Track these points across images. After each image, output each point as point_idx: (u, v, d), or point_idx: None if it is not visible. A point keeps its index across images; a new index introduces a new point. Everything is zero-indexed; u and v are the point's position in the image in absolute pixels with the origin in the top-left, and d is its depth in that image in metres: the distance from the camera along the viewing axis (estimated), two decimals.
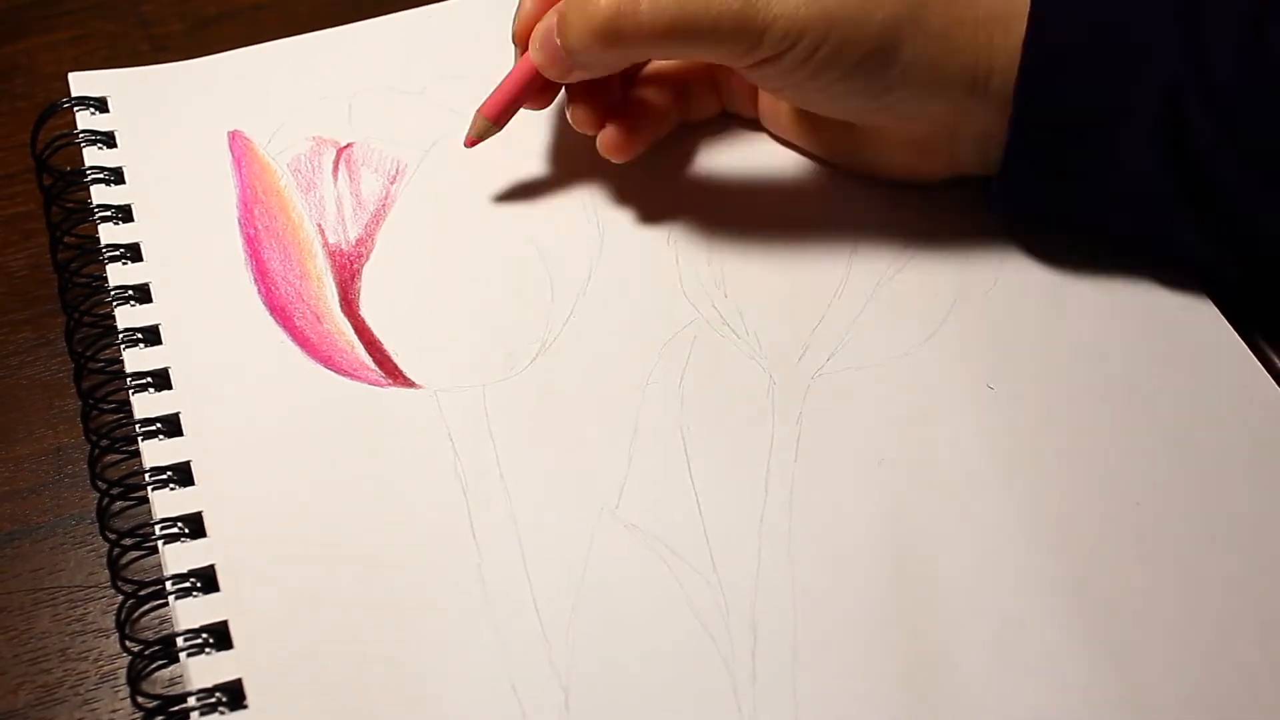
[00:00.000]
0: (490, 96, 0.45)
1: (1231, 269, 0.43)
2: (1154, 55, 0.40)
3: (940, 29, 0.40)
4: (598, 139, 0.45)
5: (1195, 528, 0.40)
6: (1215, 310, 0.44)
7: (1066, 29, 0.40)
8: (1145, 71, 0.40)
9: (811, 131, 0.47)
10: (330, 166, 0.47)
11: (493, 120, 0.45)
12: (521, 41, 0.44)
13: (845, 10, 0.40)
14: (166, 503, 0.39)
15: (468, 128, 0.46)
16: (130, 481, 0.40)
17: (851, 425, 0.41)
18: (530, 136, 0.48)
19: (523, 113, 0.46)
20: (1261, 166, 0.40)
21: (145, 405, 0.41)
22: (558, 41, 0.42)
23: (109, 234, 0.45)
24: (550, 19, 0.42)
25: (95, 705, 0.37)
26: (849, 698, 0.36)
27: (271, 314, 0.43)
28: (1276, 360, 0.44)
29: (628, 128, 0.45)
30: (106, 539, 0.39)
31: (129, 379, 0.41)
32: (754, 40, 0.40)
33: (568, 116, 0.46)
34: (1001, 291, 0.45)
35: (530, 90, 0.45)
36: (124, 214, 0.45)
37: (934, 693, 0.36)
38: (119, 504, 0.39)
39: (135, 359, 0.42)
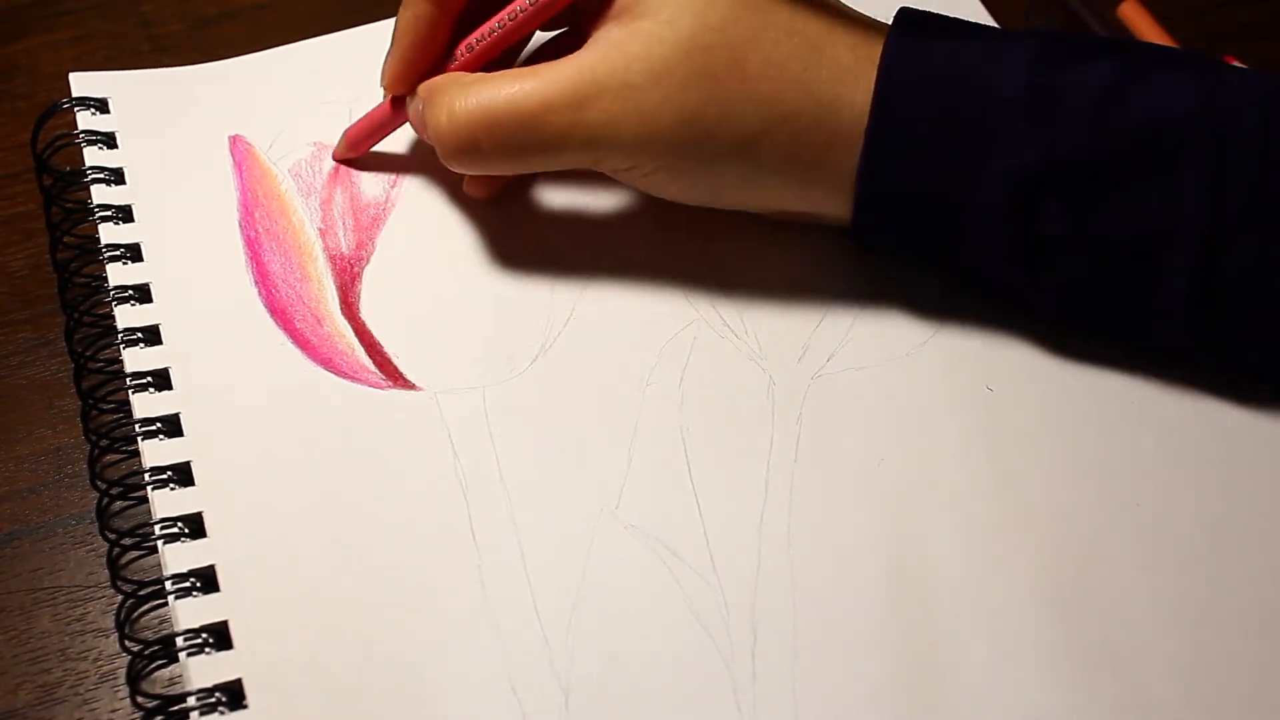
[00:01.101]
0: (355, 124, 0.47)
1: (1084, 324, 0.43)
2: (999, 143, 0.40)
3: (783, 156, 0.41)
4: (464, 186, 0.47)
5: (1195, 528, 0.40)
6: None
7: (910, 120, 0.40)
8: (990, 163, 0.40)
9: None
10: (331, 171, 0.47)
11: (349, 148, 0.47)
12: (391, 92, 0.45)
13: (676, 142, 0.41)
14: (166, 503, 0.39)
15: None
16: (130, 481, 0.40)
17: (851, 426, 0.41)
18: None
19: None
20: (1108, 254, 0.40)
21: (145, 405, 0.41)
22: (425, 134, 0.44)
23: (109, 234, 0.45)
24: (415, 106, 0.44)
25: (95, 705, 0.37)
26: (849, 698, 0.36)
27: (272, 316, 0.43)
28: None
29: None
30: (106, 539, 0.39)
31: (129, 379, 0.41)
32: (596, 161, 0.42)
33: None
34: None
35: (386, 131, 0.47)
36: (124, 214, 0.45)
37: (933, 693, 0.36)
38: (119, 504, 0.39)
39: (135, 359, 0.42)
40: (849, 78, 0.40)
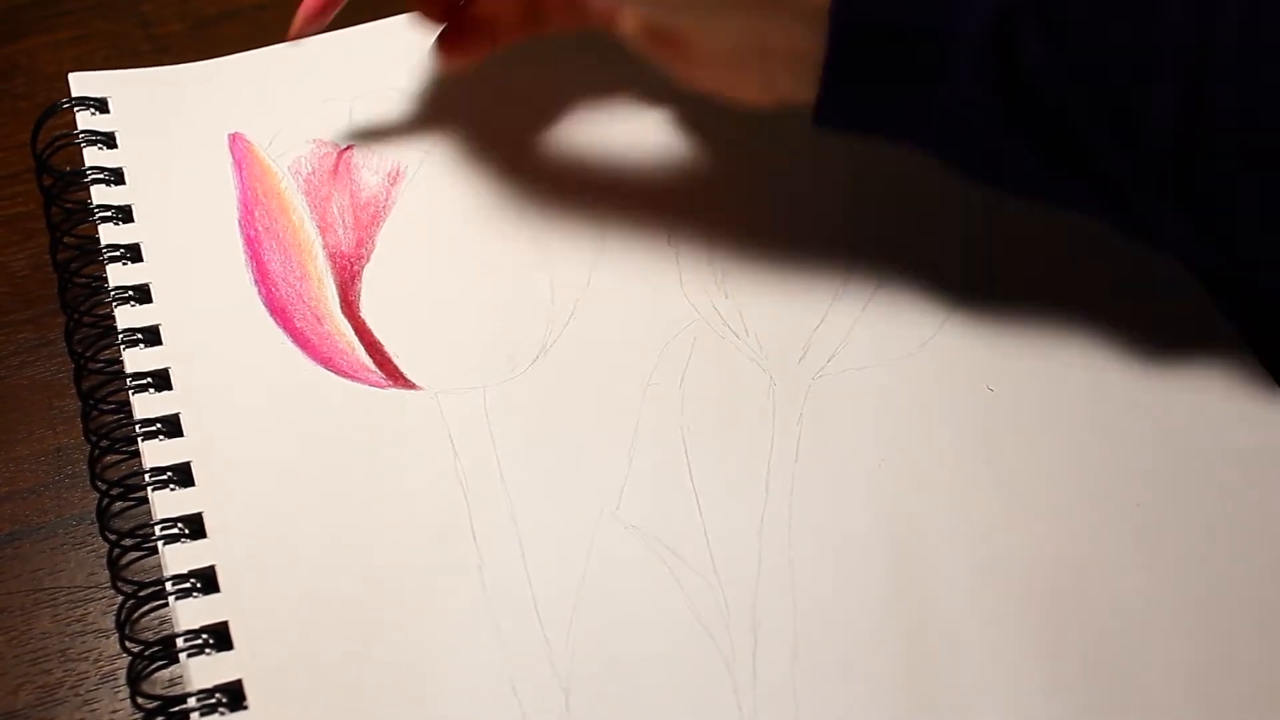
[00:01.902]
0: None
1: (1064, 185, 0.40)
2: None
3: None
4: (433, 44, 0.45)
5: (1195, 528, 0.40)
6: (1216, 309, 0.44)
7: None
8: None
9: (646, 44, 0.44)
10: (331, 169, 0.47)
11: (309, 20, 0.45)
12: None
13: None
14: (166, 503, 0.39)
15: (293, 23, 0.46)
16: (130, 482, 0.40)
17: (851, 426, 0.41)
18: (530, 136, 0.49)
19: (522, 111, 0.46)
20: (1089, 84, 0.37)
21: (145, 405, 0.41)
22: None
23: (109, 234, 0.45)
24: None
25: (95, 706, 0.37)
26: (849, 698, 0.36)
27: (272, 315, 0.43)
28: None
29: (465, 32, 0.45)
30: (106, 539, 0.39)
31: (129, 379, 0.41)
32: None
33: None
34: (1001, 292, 0.45)
35: None
36: (124, 214, 0.45)
37: (933, 693, 0.36)
38: (119, 504, 0.39)
39: (135, 359, 0.42)
40: None
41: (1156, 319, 0.44)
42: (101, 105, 0.48)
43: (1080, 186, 0.39)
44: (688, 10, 0.41)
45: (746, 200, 0.47)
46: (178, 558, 0.38)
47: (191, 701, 0.35)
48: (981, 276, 0.45)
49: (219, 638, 0.36)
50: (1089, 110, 0.38)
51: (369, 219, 0.46)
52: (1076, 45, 0.37)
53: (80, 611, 0.39)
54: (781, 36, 0.40)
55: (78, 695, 0.37)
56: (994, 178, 0.41)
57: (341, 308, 0.44)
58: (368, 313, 0.44)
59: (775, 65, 0.41)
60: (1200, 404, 0.42)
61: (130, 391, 0.41)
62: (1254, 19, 0.36)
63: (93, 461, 0.40)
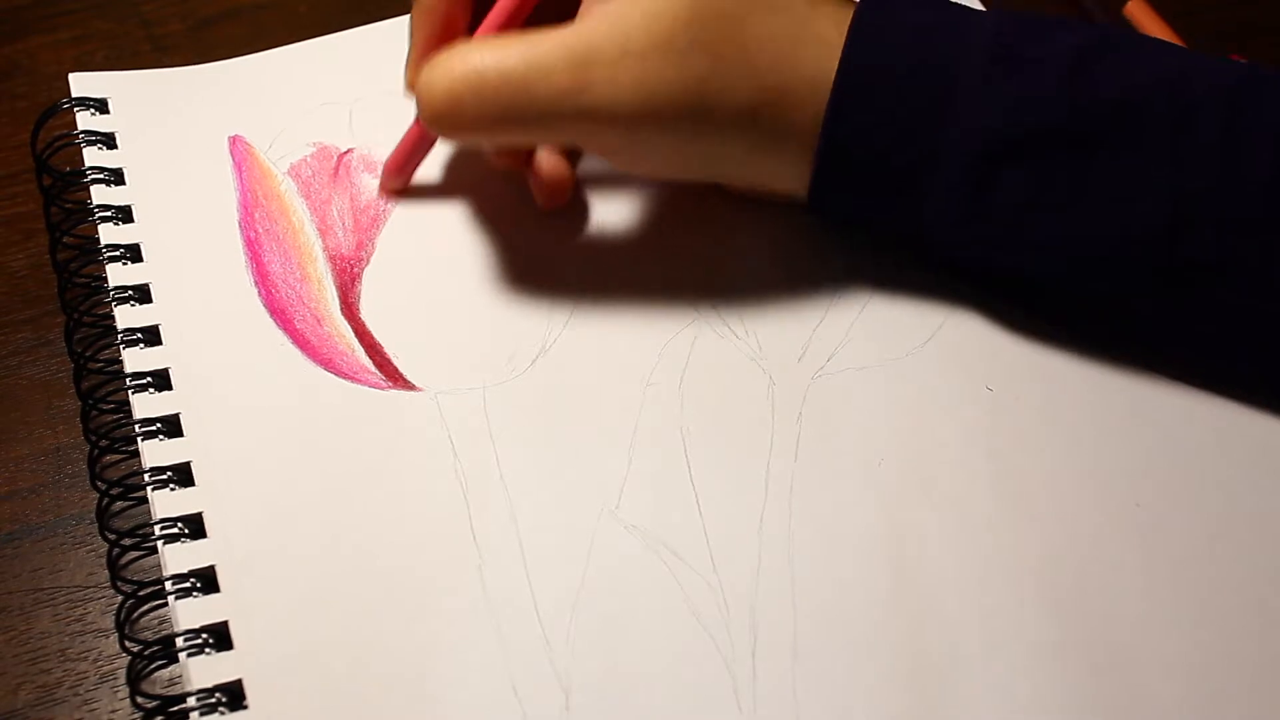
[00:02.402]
0: (392, 152, 0.46)
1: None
2: (961, 108, 0.40)
3: (773, 130, 0.41)
4: (535, 188, 0.46)
5: (1195, 529, 0.40)
6: None
7: (872, 81, 0.40)
8: (952, 125, 0.40)
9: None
10: (331, 171, 0.47)
11: (392, 177, 0.46)
12: (411, 90, 0.44)
13: (676, 115, 0.40)
14: (166, 503, 0.39)
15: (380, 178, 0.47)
16: (130, 481, 0.40)
17: (851, 426, 0.41)
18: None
19: None
20: (1076, 218, 0.40)
21: (145, 405, 0.41)
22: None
23: (109, 234, 0.45)
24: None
25: (95, 705, 0.37)
26: (849, 698, 0.36)
27: (272, 316, 0.43)
28: None
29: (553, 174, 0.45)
30: (106, 539, 0.39)
31: (129, 379, 0.41)
32: (587, 135, 0.41)
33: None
34: (1001, 292, 0.45)
35: (423, 148, 0.46)
36: (124, 214, 0.45)
37: (934, 692, 0.36)
38: (119, 504, 0.39)
39: (135, 359, 0.42)
40: (833, 53, 0.40)
41: None
42: (101, 105, 0.48)
43: (1054, 293, 0.42)
44: (711, 174, 0.44)
45: (746, 200, 0.47)
46: (177, 557, 0.38)
47: (191, 701, 0.35)
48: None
49: (219, 637, 0.36)
50: (1069, 242, 0.41)
51: (369, 221, 0.46)
52: (1049, 184, 0.40)
53: (80, 611, 0.39)
54: (790, 178, 0.43)
55: (77, 695, 0.37)
56: (966, 279, 0.44)
57: (341, 309, 0.44)
58: (367, 314, 0.44)
59: (779, 186, 0.44)
60: (1200, 404, 0.42)
61: (130, 391, 0.41)
62: (1229, 152, 0.39)
63: (92, 461, 0.40)
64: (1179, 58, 0.41)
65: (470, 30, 0.43)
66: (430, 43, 0.43)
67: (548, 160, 0.45)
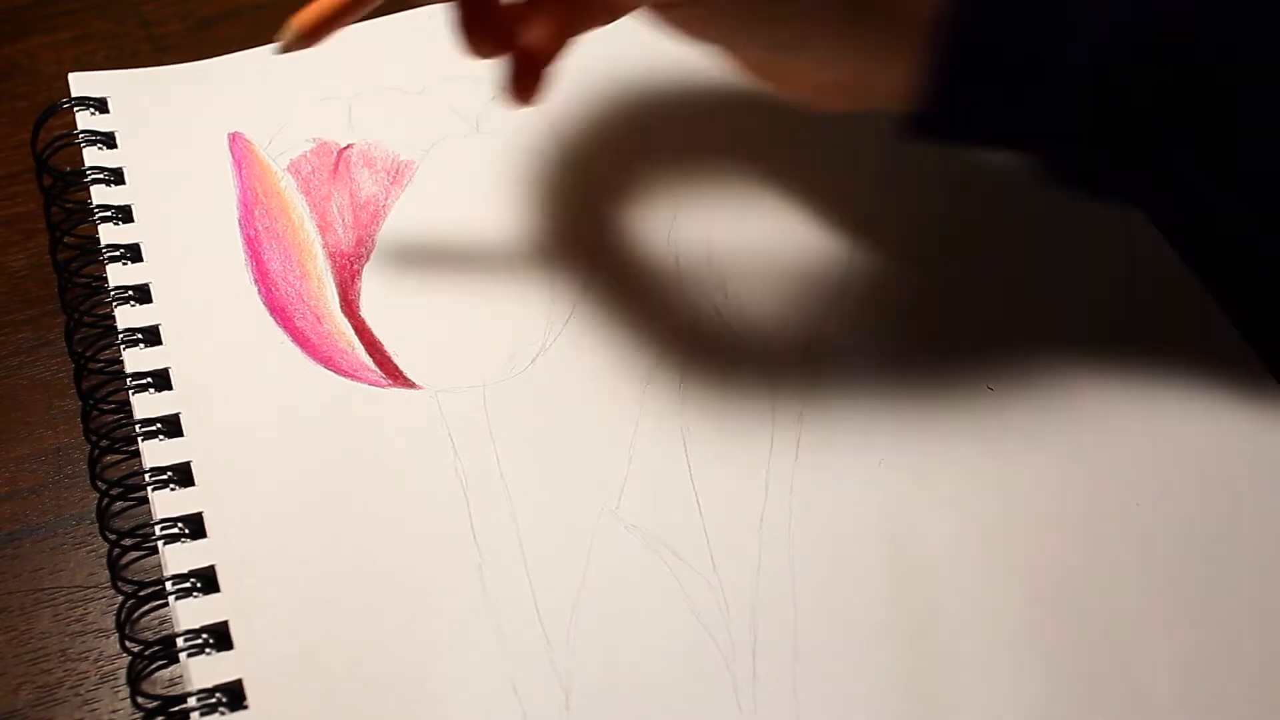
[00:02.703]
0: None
1: (1153, 200, 0.40)
2: (1090, 8, 0.36)
3: None
4: (504, 79, 0.40)
5: (1195, 528, 0.40)
6: (1216, 309, 0.44)
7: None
8: (1083, 24, 0.36)
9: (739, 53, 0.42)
10: (330, 168, 0.47)
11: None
12: None
13: None
14: (166, 503, 0.39)
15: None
16: (130, 481, 0.40)
17: (851, 425, 0.41)
18: (530, 136, 0.49)
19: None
20: (1203, 131, 0.37)
21: (145, 405, 0.41)
22: None
23: (109, 234, 0.45)
24: None
25: (95, 705, 0.37)
26: (849, 697, 0.36)
27: (272, 314, 0.43)
28: None
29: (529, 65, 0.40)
30: (106, 539, 0.39)
31: (129, 379, 0.41)
32: None
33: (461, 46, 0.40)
34: (1001, 292, 0.45)
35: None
36: (124, 214, 0.45)
37: (934, 692, 0.36)
38: (119, 504, 0.39)
39: (135, 359, 0.42)
40: None
41: (1157, 319, 0.44)
42: (101, 105, 0.48)
43: (1167, 201, 0.39)
44: (784, 52, 0.39)
45: (746, 199, 0.47)
46: (178, 557, 0.38)
47: (191, 701, 0.35)
48: (982, 276, 0.45)
49: (219, 637, 0.36)
50: (1193, 158, 0.37)
51: (369, 218, 0.46)
52: (1175, 77, 0.36)
53: (80, 611, 0.39)
54: (890, 72, 0.38)
55: (78, 695, 0.37)
56: (1085, 190, 0.40)
57: (341, 307, 0.44)
58: (367, 312, 0.44)
59: (873, 88, 0.39)
60: (1200, 404, 0.42)
61: (130, 391, 0.41)
62: None
63: (93, 461, 0.40)
64: None
65: None
66: None
67: (533, 34, 0.39)
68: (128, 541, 0.38)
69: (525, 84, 0.40)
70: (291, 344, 0.43)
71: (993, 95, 0.37)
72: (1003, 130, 0.39)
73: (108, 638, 0.38)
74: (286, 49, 0.40)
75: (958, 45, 0.36)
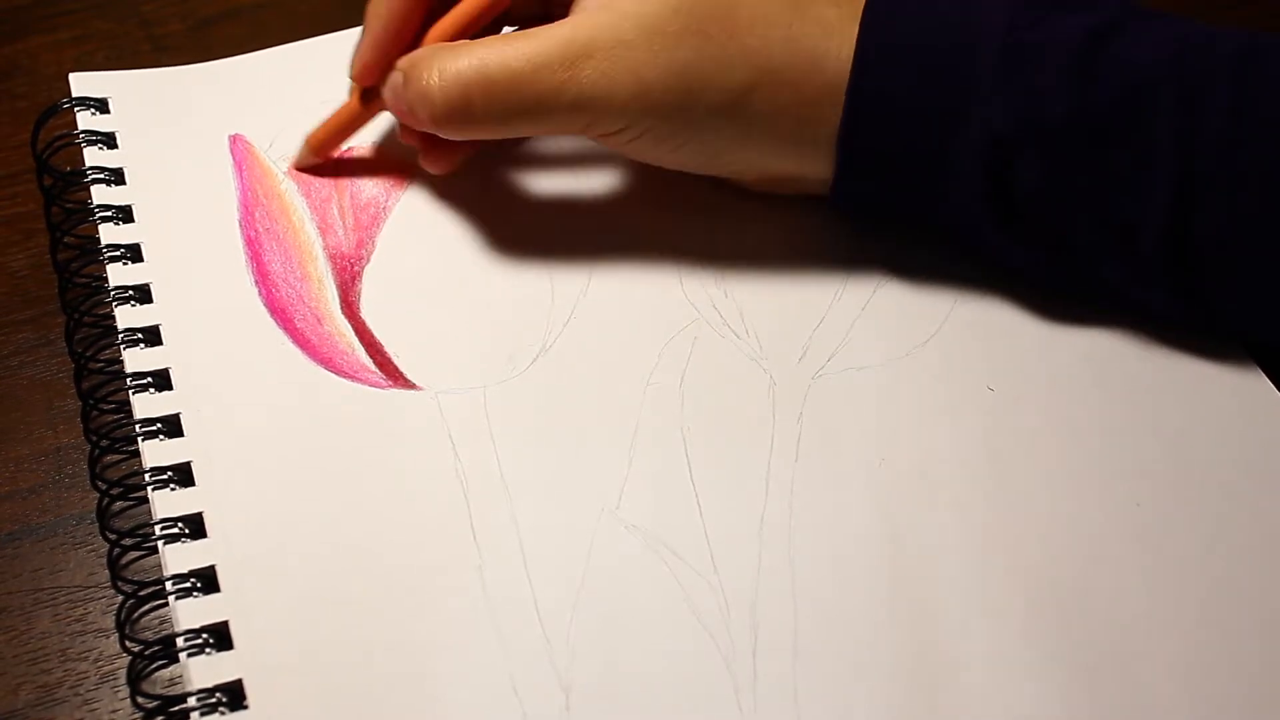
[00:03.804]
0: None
1: (1060, 277, 0.44)
2: (975, 102, 0.40)
3: (772, 112, 0.41)
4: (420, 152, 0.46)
5: (1195, 529, 0.40)
6: None
7: (888, 79, 0.41)
8: (968, 122, 0.41)
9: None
10: (331, 170, 0.47)
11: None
12: (361, 82, 0.45)
13: (668, 100, 0.41)
14: (166, 503, 0.39)
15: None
16: (130, 481, 0.40)
17: (852, 425, 0.41)
18: (529, 138, 0.49)
19: None
20: (1086, 211, 0.41)
21: (145, 405, 0.41)
22: (405, 108, 0.43)
23: (109, 234, 0.45)
24: (396, 79, 0.43)
25: (95, 705, 0.37)
26: (849, 697, 0.36)
27: (272, 315, 0.43)
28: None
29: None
30: (106, 539, 0.39)
31: (129, 379, 0.41)
32: (587, 125, 0.42)
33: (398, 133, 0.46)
34: (1001, 292, 0.45)
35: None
36: (124, 214, 0.45)
37: (934, 692, 0.36)
38: (119, 504, 0.39)
39: (135, 359, 0.42)
40: (833, 32, 0.41)
41: (1157, 319, 0.44)
42: (102, 105, 0.48)
43: (1076, 280, 0.43)
44: (713, 163, 0.44)
45: (746, 199, 0.47)
46: (178, 557, 0.38)
47: (191, 701, 0.35)
48: (981, 275, 0.45)
49: (219, 637, 0.36)
50: (1086, 239, 0.41)
51: (369, 220, 0.46)
52: (1066, 172, 0.41)
53: (80, 611, 0.39)
54: (802, 162, 0.43)
55: (78, 695, 0.37)
56: (991, 265, 0.45)
57: (342, 308, 0.44)
58: (368, 313, 0.44)
59: (798, 179, 0.44)
60: (1200, 404, 0.42)
61: (130, 391, 0.41)
62: (1236, 134, 0.39)
63: (93, 461, 0.40)
64: (1184, 29, 0.41)
65: (421, 31, 0.44)
66: (385, 35, 0.44)
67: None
68: (128, 541, 0.38)
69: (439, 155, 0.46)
70: (292, 345, 0.43)
71: (888, 187, 0.43)
72: (902, 214, 0.44)
73: (108, 638, 0.38)
74: (300, 166, 0.47)
75: (855, 149, 0.42)
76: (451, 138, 0.43)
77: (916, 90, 0.41)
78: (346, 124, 0.46)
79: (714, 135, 0.42)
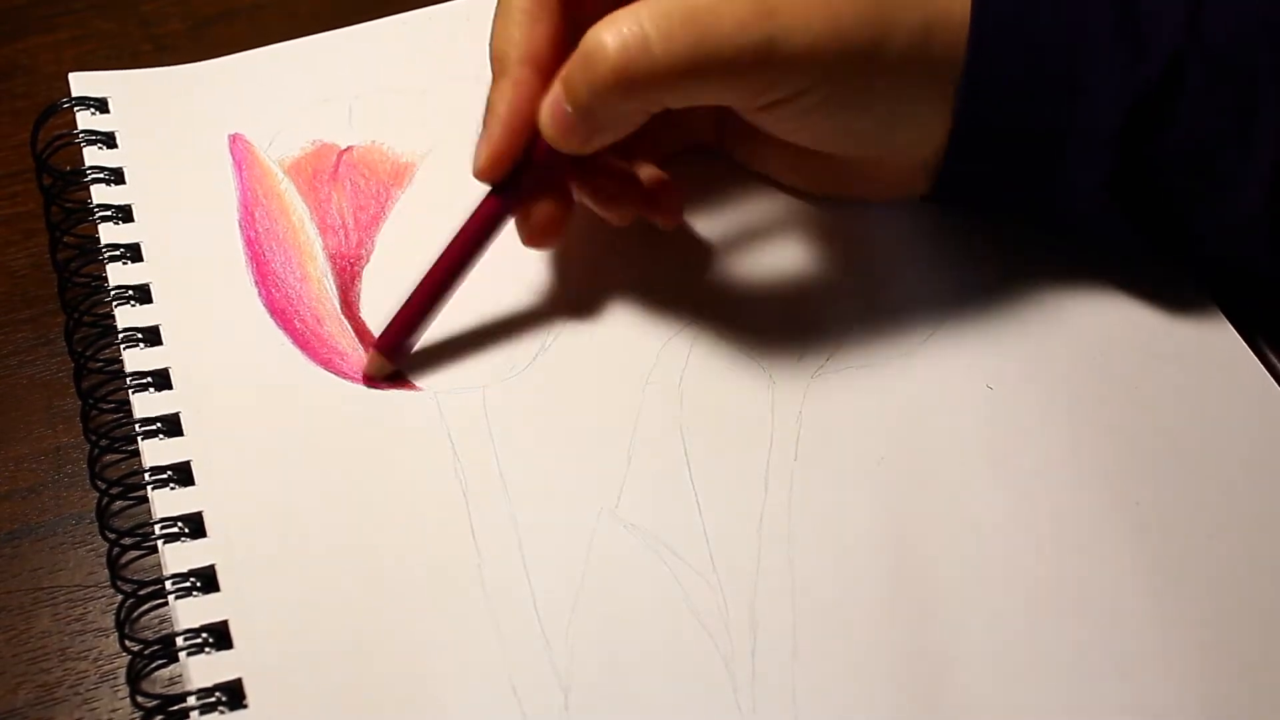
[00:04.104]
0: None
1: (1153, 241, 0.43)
2: (1094, 71, 0.40)
3: (924, 73, 0.40)
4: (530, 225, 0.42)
5: (1195, 528, 0.40)
6: (1216, 310, 0.44)
7: (1005, 59, 0.40)
8: (1087, 89, 0.40)
9: (790, 169, 0.47)
10: (331, 170, 0.47)
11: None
12: (486, 175, 0.41)
13: (861, 38, 0.38)
14: (166, 502, 0.39)
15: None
16: (130, 481, 0.40)
17: (851, 425, 0.41)
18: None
19: None
20: (1196, 164, 0.40)
21: (145, 405, 0.41)
22: (568, 108, 0.39)
23: (109, 234, 0.45)
24: (556, 90, 0.39)
25: (95, 705, 0.37)
26: (849, 697, 0.36)
27: (272, 316, 0.43)
28: (1276, 361, 0.44)
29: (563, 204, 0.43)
30: (106, 539, 0.39)
31: (129, 379, 0.41)
32: (770, 82, 0.39)
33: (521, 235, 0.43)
34: (1001, 291, 0.45)
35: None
36: (124, 214, 0.45)
37: (934, 692, 0.36)
38: (119, 504, 0.39)
39: (135, 359, 0.42)
40: None
41: (1157, 318, 0.44)
42: (101, 105, 0.48)
43: (1168, 244, 0.43)
44: (857, 141, 0.43)
45: (747, 199, 0.47)
46: (177, 557, 0.38)
47: (191, 700, 0.35)
48: (981, 275, 0.45)
49: (219, 637, 0.36)
50: (1193, 188, 0.41)
51: (369, 220, 0.46)
52: (1177, 129, 0.40)
53: (80, 610, 0.39)
54: (920, 136, 0.42)
55: (77, 694, 0.37)
56: (1089, 240, 0.44)
57: (341, 309, 0.44)
58: (368, 314, 0.44)
59: (928, 169, 0.43)
60: (1200, 403, 0.42)
61: (130, 391, 0.41)
62: None
63: (92, 461, 0.40)
64: None
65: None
66: (513, 121, 0.40)
67: (541, 206, 0.42)
68: (127, 541, 0.38)
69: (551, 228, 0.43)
70: (291, 345, 0.43)
71: (1005, 164, 0.42)
72: (1014, 197, 0.43)
73: (107, 637, 0.38)
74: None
75: (972, 128, 0.41)
76: (614, 115, 0.39)
77: (1032, 68, 0.40)
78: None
79: (895, 95, 0.40)
